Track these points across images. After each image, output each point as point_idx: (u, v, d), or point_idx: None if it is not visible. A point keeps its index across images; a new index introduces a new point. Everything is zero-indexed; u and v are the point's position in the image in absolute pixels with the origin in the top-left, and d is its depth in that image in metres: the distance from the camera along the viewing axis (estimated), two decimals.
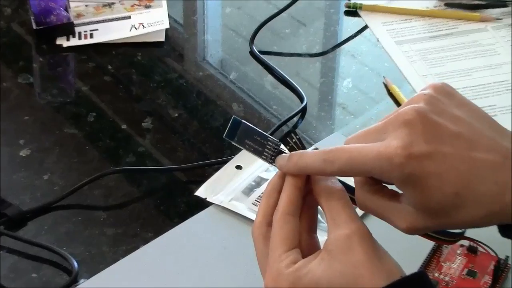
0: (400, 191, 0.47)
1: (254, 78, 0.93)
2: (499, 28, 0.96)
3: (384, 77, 0.91)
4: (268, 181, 0.51)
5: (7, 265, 0.68)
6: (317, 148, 0.50)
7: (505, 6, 0.98)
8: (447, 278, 0.64)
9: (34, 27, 0.96)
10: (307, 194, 0.50)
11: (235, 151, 0.77)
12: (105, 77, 0.92)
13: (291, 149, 0.50)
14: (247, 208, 0.72)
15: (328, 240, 0.47)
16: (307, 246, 0.49)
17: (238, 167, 0.77)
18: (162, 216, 0.74)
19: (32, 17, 0.96)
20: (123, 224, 0.72)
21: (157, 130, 0.84)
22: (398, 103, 0.87)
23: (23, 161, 0.79)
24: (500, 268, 0.64)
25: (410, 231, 0.46)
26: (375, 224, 0.49)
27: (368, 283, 0.44)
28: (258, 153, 0.51)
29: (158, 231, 0.71)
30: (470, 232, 0.50)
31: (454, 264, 0.65)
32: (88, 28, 0.98)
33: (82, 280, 0.67)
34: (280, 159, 0.50)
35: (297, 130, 0.82)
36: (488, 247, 0.60)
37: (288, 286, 0.46)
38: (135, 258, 0.68)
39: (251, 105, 0.88)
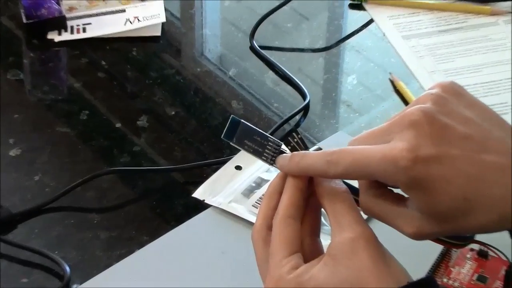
0: (406, 195, 0.47)
1: (255, 75, 0.93)
2: (511, 21, 0.96)
3: (390, 73, 0.91)
4: (269, 182, 0.51)
5: None
6: (320, 148, 0.50)
7: None
8: (456, 284, 0.64)
9: (24, 21, 0.96)
10: (310, 195, 0.50)
11: (234, 151, 0.77)
12: (98, 73, 0.92)
13: (292, 149, 0.50)
14: (247, 211, 0.72)
15: (331, 244, 0.47)
16: (309, 250, 0.49)
17: (238, 168, 0.77)
18: (158, 219, 0.74)
19: (22, 11, 0.96)
20: (117, 227, 0.72)
21: (153, 129, 0.84)
22: (405, 100, 0.87)
23: (13, 161, 0.79)
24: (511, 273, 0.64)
25: (416, 236, 0.46)
26: (380, 228, 0.49)
27: None
28: (258, 154, 0.51)
29: (154, 235, 0.71)
30: (480, 236, 0.50)
31: (463, 269, 0.65)
32: (81, 22, 0.98)
33: (74, 286, 0.67)
34: (281, 159, 0.50)
35: (299, 129, 0.83)
36: (499, 251, 0.60)
37: None
38: (129, 263, 0.68)
39: (251, 102, 0.88)
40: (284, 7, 1.01)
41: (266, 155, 0.51)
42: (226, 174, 0.76)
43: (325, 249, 0.48)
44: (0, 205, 0.73)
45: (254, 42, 0.96)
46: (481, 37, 0.95)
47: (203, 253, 0.68)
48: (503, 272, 0.64)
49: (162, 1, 1.00)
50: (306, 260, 0.48)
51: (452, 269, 0.65)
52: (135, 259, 0.68)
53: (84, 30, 0.97)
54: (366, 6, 1.01)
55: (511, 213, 0.44)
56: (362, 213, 0.48)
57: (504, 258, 0.61)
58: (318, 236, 0.51)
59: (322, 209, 0.50)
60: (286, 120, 0.84)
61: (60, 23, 0.96)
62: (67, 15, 0.97)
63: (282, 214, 0.48)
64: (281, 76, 0.91)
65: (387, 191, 0.48)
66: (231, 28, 1.01)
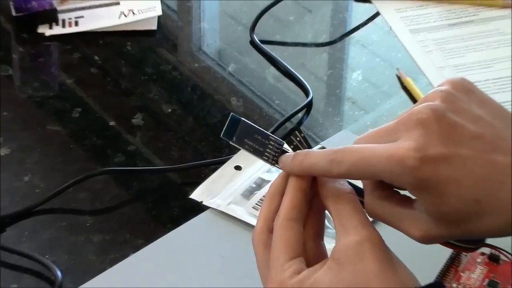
0: (413, 197, 0.47)
1: (255, 70, 0.93)
2: None
3: (397, 69, 0.91)
4: (271, 182, 0.51)
5: None
6: (323, 147, 0.50)
7: None
8: None
9: (14, 14, 0.96)
10: (313, 197, 0.50)
11: (234, 150, 0.78)
12: (91, 69, 0.92)
13: (295, 149, 0.50)
14: (247, 213, 0.72)
15: (336, 248, 0.47)
16: (312, 254, 0.49)
17: (237, 168, 0.77)
18: (154, 222, 0.74)
19: (11, 3, 0.96)
20: (111, 230, 0.72)
21: (149, 127, 0.84)
22: (412, 97, 0.87)
23: (2, 161, 0.79)
24: None
25: (424, 240, 0.46)
26: (387, 231, 0.49)
27: None
28: (259, 154, 0.51)
29: (149, 238, 0.71)
30: (491, 239, 0.50)
31: (474, 274, 0.65)
32: (73, 15, 0.98)
33: None
34: (284, 158, 0.50)
35: (301, 128, 0.83)
36: None
37: None
38: (124, 267, 0.68)
39: (252, 99, 0.88)
40: (286, 0, 1.01)
41: (267, 154, 0.51)
42: (225, 175, 0.76)
43: (329, 253, 0.48)
44: None
45: (255, 36, 0.96)
46: (493, 31, 0.95)
47: (201, 258, 0.68)
48: None
49: None
50: (309, 264, 0.48)
51: (462, 274, 0.65)
52: (130, 263, 0.68)
53: (76, 23, 0.97)
54: None
55: None
56: (367, 215, 0.49)
57: None
58: (322, 239, 0.51)
59: (326, 211, 0.50)
60: (288, 118, 0.84)
61: (51, 16, 0.96)
62: (59, 8, 0.97)
63: (284, 217, 0.48)
64: (282, 72, 0.92)
65: (394, 192, 0.48)
66: (230, 21, 1.01)
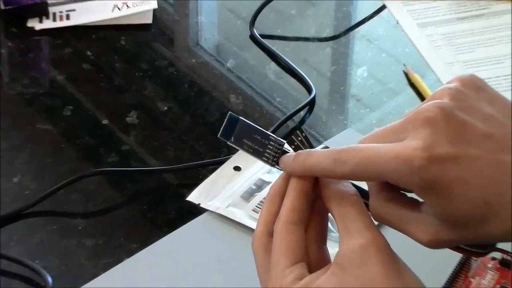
0: (420, 199, 0.47)
1: (255, 66, 0.93)
2: None
3: (404, 64, 0.91)
4: (271, 184, 0.51)
5: None
6: (327, 147, 0.50)
7: None
8: None
9: (2, 7, 0.96)
10: (315, 199, 0.50)
11: (233, 150, 0.77)
12: (83, 64, 0.92)
13: (296, 149, 0.51)
14: (246, 216, 0.72)
15: (339, 252, 0.47)
16: (315, 259, 0.49)
17: (237, 168, 0.77)
18: (149, 225, 0.74)
19: None
20: (104, 234, 0.73)
21: (144, 126, 0.84)
22: (420, 95, 0.87)
23: None
24: None
25: (432, 244, 0.46)
26: (393, 234, 0.49)
27: None
28: (259, 155, 0.51)
29: (145, 242, 0.71)
30: (503, 243, 0.50)
31: (484, 280, 0.65)
32: (64, 8, 0.98)
33: None
34: (285, 158, 0.50)
35: (303, 127, 0.83)
36: None
37: None
38: (118, 273, 0.68)
39: (252, 97, 0.88)
40: None
41: (267, 155, 0.51)
42: (223, 176, 0.76)
43: (332, 258, 0.48)
44: None
45: (255, 30, 0.96)
46: (504, 25, 0.95)
47: (198, 262, 0.69)
48: None
49: None
50: (311, 270, 0.48)
51: (472, 279, 0.65)
52: (124, 268, 0.68)
53: (67, 17, 0.97)
54: None
55: None
56: (372, 218, 0.49)
57: None
58: (325, 243, 0.51)
59: (329, 214, 0.50)
60: (290, 117, 0.84)
61: (41, 10, 0.96)
62: (49, 1, 0.97)
63: (285, 220, 0.48)
64: (284, 68, 0.92)
65: (400, 194, 0.48)
66: (229, 15, 1.01)
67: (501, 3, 0.98)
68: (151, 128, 0.84)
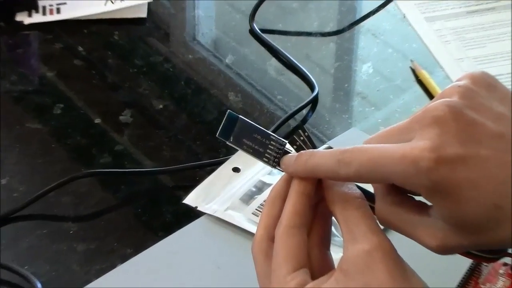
0: (428, 203, 0.47)
1: (255, 62, 0.93)
2: None
3: (412, 60, 0.91)
4: (272, 186, 0.52)
5: None
6: (330, 147, 0.50)
7: None
8: None
9: None
10: (318, 202, 0.50)
11: (232, 150, 0.78)
12: (75, 60, 0.92)
13: (298, 149, 0.51)
14: (246, 219, 0.72)
15: (344, 258, 0.47)
16: (318, 265, 0.49)
17: (236, 170, 0.77)
18: (144, 229, 0.74)
19: None
20: (96, 238, 0.73)
21: (138, 125, 0.84)
22: (428, 92, 0.87)
23: None
24: None
25: (441, 250, 0.46)
26: (399, 238, 0.49)
27: None
28: (259, 155, 0.51)
29: (139, 247, 0.71)
30: None
31: (496, 286, 0.65)
32: (55, 1, 0.98)
33: None
34: (287, 158, 0.50)
35: (306, 126, 0.83)
36: None
37: None
38: (110, 279, 0.68)
39: (251, 94, 0.89)
40: None
41: (268, 156, 0.51)
42: (222, 177, 0.76)
43: (336, 263, 0.48)
44: None
45: (255, 24, 0.96)
46: None
47: (196, 268, 0.69)
48: None
49: None
50: (314, 276, 0.48)
51: (482, 286, 0.65)
52: (117, 274, 0.68)
53: (58, 10, 0.97)
54: None
55: None
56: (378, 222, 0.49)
57: None
58: (328, 248, 0.51)
59: (333, 218, 0.50)
60: (292, 115, 0.84)
61: (30, 3, 0.96)
62: None
63: (286, 224, 0.49)
64: (285, 64, 0.92)
65: (407, 198, 0.48)
66: (228, 8, 1.01)
67: None
68: (146, 127, 0.84)
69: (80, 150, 0.82)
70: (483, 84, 0.48)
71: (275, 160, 0.51)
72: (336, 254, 0.50)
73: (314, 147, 0.51)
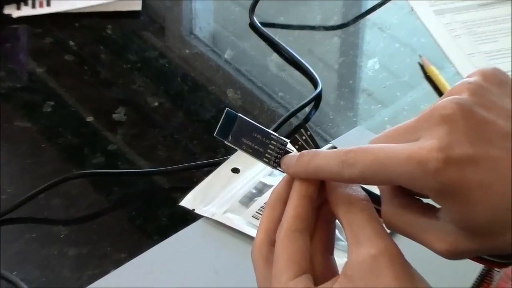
0: (437, 205, 0.47)
1: (255, 58, 0.93)
2: None
3: (420, 56, 0.91)
4: (273, 188, 0.52)
5: None
6: (334, 147, 0.50)
7: None
8: None
9: None
10: (321, 205, 0.50)
11: (231, 150, 0.78)
12: (66, 56, 0.92)
13: (300, 149, 0.51)
14: (245, 222, 0.72)
15: (348, 263, 0.47)
16: (321, 270, 0.49)
17: (235, 170, 0.77)
18: (138, 232, 0.74)
19: None
20: (88, 243, 0.73)
21: (132, 123, 0.84)
22: (437, 89, 0.87)
23: None
24: None
25: (450, 254, 0.46)
26: (406, 242, 0.49)
27: None
28: (259, 155, 0.51)
29: (133, 251, 0.71)
30: None
31: None
32: None
33: None
34: (288, 159, 0.50)
35: (309, 124, 0.83)
36: None
37: None
38: (104, 285, 0.68)
39: (251, 91, 0.89)
40: None
41: (269, 156, 0.51)
42: (220, 178, 0.76)
43: (340, 269, 0.48)
44: None
45: (255, 18, 0.96)
46: None
47: (193, 274, 0.69)
48: None
49: None
50: (317, 282, 0.48)
51: None
52: (110, 281, 0.69)
53: (48, 3, 0.97)
54: None
55: None
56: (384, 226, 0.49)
57: None
58: (331, 253, 0.51)
59: (337, 221, 0.50)
60: (294, 113, 0.84)
61: None
62: None
63: (287, 227, 0.49)
64: (287, 60, 0.92)
65: (415, 200, 0.48)
66: (226, 1, 1.01)
67: None
68: (140, 126, 0.84)
69: (72, 149, 0.82)
70: (495, 80, 0.48)
71: (276, 160, 0.51)
72: (340, 259, 0.50)
73: (317, 147, 0.51)
